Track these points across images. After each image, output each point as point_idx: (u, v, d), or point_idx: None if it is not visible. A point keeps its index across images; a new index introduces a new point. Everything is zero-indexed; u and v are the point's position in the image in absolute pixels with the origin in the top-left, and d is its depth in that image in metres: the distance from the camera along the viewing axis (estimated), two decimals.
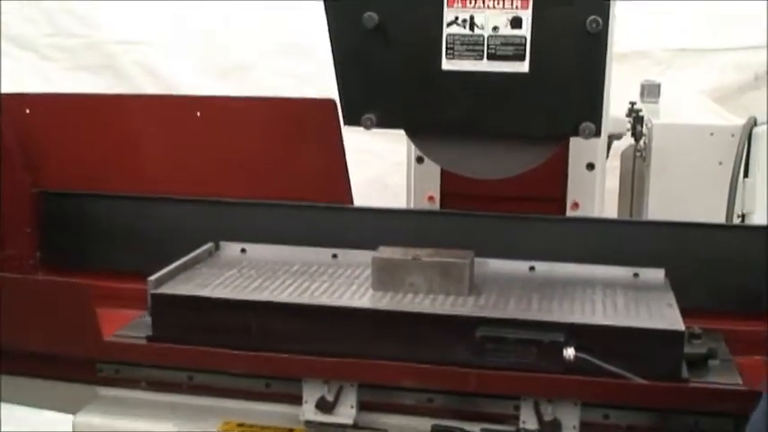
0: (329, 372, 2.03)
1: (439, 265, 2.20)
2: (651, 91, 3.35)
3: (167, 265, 2.33)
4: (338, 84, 2.22)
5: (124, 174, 2.73)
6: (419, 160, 2.82)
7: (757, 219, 2.81)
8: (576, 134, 2.12)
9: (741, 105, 3.90)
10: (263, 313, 2.13)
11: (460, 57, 2.12)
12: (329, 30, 2.17)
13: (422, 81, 2.15)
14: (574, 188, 2.75)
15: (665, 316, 2.09)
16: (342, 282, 2.30)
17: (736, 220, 2.82)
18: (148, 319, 2.28)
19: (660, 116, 3.10)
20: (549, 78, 2.10)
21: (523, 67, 2.10)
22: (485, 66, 2.12)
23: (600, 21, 2.02)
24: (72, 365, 2.19)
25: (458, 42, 2.11)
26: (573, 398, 1.95)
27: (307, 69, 4.33)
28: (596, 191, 2.78)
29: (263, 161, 2.66)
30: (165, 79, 4.50)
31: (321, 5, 2.15)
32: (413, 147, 2.84)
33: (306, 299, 2.18)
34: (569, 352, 1.97)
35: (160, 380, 2.19)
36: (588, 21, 2.02)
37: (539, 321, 2.03)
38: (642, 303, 2.16)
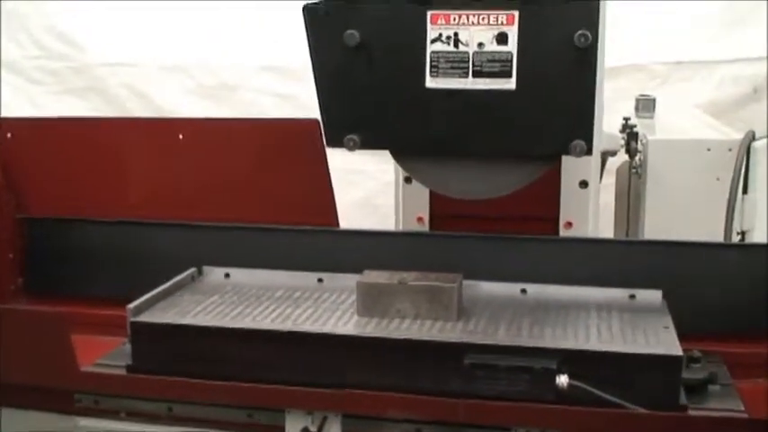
0: (312, 402, 1.96)
1: (426, 289, 2.13)
2: (646, 106, 3.29)
3: (151, 291, 2.26)
4: (320, 104, 2.16)
5: (107, 198, 2.67)
6: (407, 180, 2.76)
7: (757, 236, 2.74)
8: (567, 152, 2.05)
9: (739, 119, 3.84)
10: (244, 341, 2.06)
11: (445, 74, 2.06)
12: (310, 48, 2.11)
13: (406, 100, 2.09)
14: (567, 207, 2.69)
15: (662, 340, 2.01)
16: (327, 307, 2.23)
17: (736, 238, 2.75)
18: (129, 348, 2.23)
19: (656, 131, 3.04)
20: (538, 95, 2.04)
21: (510, 84, 2.04)
22: (470, 83, 2.06)
23: (589, 35, 1.96)
24: (51, 396, 2.12)
25: (442, 60, 2.05)
26: (567, 428, 1.87)
27: (295, 89, 4.28)
28: (590, 209, 2.71)
29: (246, 183, 2.60)
30: (153, 101, 4.45)
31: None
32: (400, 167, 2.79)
33: (288, 326, 2.10)
34: (562, 380, 1.89)
35: (140, 411, 2.11)
36: (576, 35, 1.96)
37: (530, 347, 1.95)
38: (638, 327, 2.09)
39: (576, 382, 1.88)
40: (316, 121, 2.46)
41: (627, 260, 2.40)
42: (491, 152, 2.12)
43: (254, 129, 2.61)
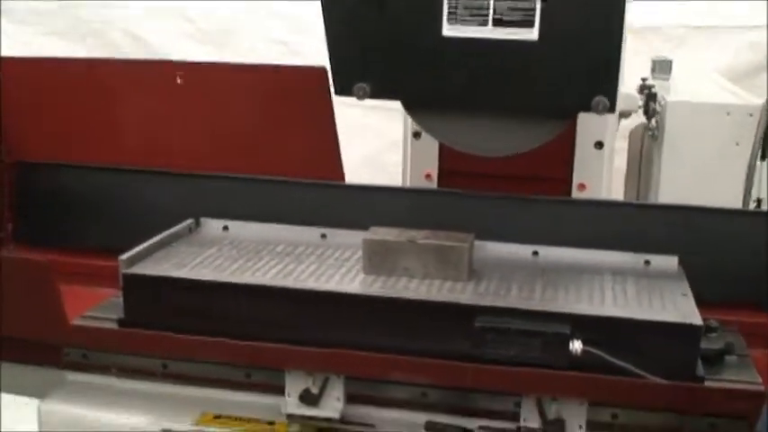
0: (314, 362, 1.87)
1: (436, 248, 2.03)
2: (662, 67, 3.18)
3: (144, 241, 2.16)
4: (329, 50, 2.04)
5: (101, 143, 2.56)
6: (416, 135, 2.66)
7: None
8: (589, 109, 1.94)
9: (755, 86, 3.74)
10: (243, 297, 1.96)
11: (463, 22, 1.94)
12: None
13: (420, 48, 1.98)
14: (580, 168, 2.59)
15: (681, 308, 1.92)
16: (330, 264, 2.14)
17: (752, 206, 2.66)
18: (121, 300, 2.13)
19: (671, 94, 2.92)
20: (561, 47, 1.92)
21: (532, 34, 1.92)
22: (490, 32, 1.94)
23: None
24: (38, 348, 2.03)
25: (460, 6, 1.93)
26: (579, 396, 1.79)
27: (296, 37, 4.14)
28: (604, 171, 2.62)
29: (247, 133, 2.49)
30: (148, 43, 4.30)
31: None
32: (409, 121, 2.68)
33: (290, 282, 2.01)
34: (576, 345, 1.80)
35: (132, 367, 2.03)
36: None
37: (543, 311, 1.87)
38: (655, 293, 2.00)
39: (590, 348, 1.80)
40: (323, 68, 2.35)
41: (643, 224, 2.31)
42: (509, 107, 2.02)
43: (257, 75, 2.48)
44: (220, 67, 2.53)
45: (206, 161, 2.49)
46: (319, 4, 2.01)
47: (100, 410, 2.01)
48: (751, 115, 2.59)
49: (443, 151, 2.63)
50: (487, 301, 1.91)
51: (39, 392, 2.08)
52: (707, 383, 1.82)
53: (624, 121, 3.00)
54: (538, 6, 1.90)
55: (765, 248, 2.19)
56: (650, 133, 2.76)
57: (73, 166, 2.57)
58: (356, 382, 1.90)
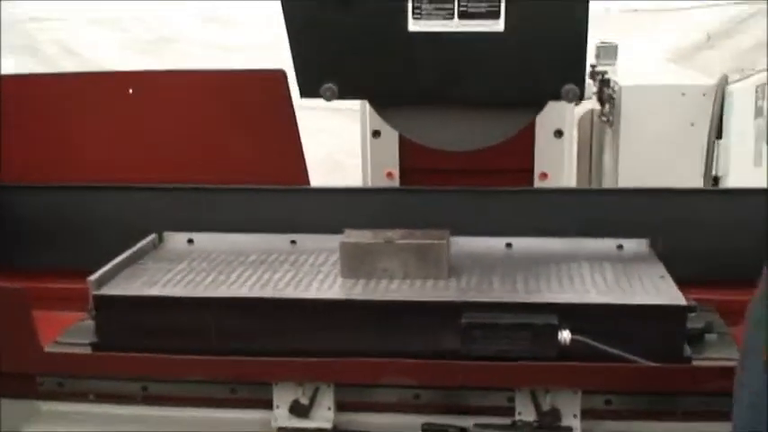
0: (303, 373, 1.83)
1: (415, 247, 2.01)
2: (608, 53, 3.20)
3: (105, 260, 2.08)
4: (292, 52, 2.00)
5: (56, 161, 2.45)
6: (375, 134, 2.63)
7: (731, 182, 2.70)
8: (559, 98, 1.95)
9: (693, 66, 3.81)
10: (222, 311, 1.91)
11: (429, 16, 1.92)
12: None
13: (387, 45, 1.95)
14: (541, 158, 2.60)
15: (662, 290, 1.94)
16: (306, 271, 2.09)
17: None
18: (89, 323, 2.05)
19: (621, 79, 2.95)
20: (527, 37, 1.92)
21: (498, 25, 1.91)
22: (456, 26, 1.93)
23: None
24: (9, 378, 1.93)
25: (425, 1, 1.91)
26: (573, 385, 1.79)
27: (234, 40, 4.06)
28: (565, 159, 2.63)
29: (205, 141, 2.42)
30: (85, 57, 4.17)
31: None
32: (368, 120, 2.65)
33: (269, 292, 1.96)
34: (565, 335, 1.80)
35: (110, 392, 1.95)
36: None
37: (530, 303, 1.86)
38: (634, 277, 2.01)
39: (578, 337, 1.80)
40: (281, 71, 2.31)
41: (613, 210, 2.32)
42: (479, 100, 2.00)
43: (213, 81, 2.42)
44: (172, 75, 2.45)
45: (162, 172, 2.41)
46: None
47: None
48: (704, 95, 2.64)
49: (404, 149, 2.61)
50: (473, 297, 1.89)
51: (11, 425, 1.99)
52: (694, 363, 1.84)
53: (575, 109, 3.02)
54: None
55: (733, 226, 2.23)
56: (604, 119, 2.78)
57: (26, 186, 2.47)
58: (346, 390, 1.86)
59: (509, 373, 1.80)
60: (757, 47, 4.09)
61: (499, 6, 1.90)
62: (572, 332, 1.80)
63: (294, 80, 2.29)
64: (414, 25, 1.93)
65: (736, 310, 2.12)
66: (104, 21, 4.16)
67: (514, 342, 1.81)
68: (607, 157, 2.80)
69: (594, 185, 3.10)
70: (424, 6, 1.92)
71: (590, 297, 1.90)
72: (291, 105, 2.33)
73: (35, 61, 4.08)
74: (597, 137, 3.07)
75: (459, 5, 1.91)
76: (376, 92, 2.03)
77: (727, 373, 1.81)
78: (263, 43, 3.81)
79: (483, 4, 1.90)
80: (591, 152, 3.17)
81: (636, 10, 3.93)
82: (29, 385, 1.94)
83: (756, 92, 2.83)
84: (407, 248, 2.00)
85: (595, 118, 2.96)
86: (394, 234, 2.05)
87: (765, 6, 4.16)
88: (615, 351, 1.79)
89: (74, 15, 4.16)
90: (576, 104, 2.99)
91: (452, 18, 1.92)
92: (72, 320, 2.09)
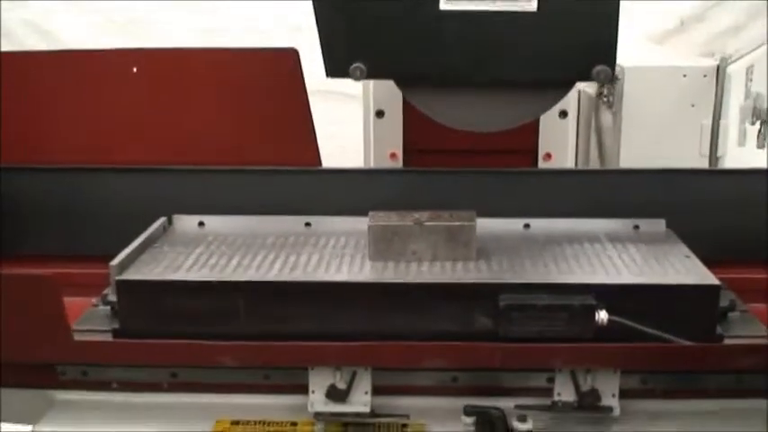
0: (341, 357, 1.79)
1: (444, 228, 1.99)
2: None
3: (109, 244, 2.00)
4: (320, 31, 1.95)
5: (51, 143, 2.36)
6: (379, 114, 2.60)
7: (728, 162, 2.74)
8: (590, 79, 1.94)
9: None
10: (255, 295, 1.86)
11: None
12: None
13: (418, 24, 1.92)
14: (546, 138, 2.61)
15: (691, 270, 1.96)
16: (331, 253, 2.05)
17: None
18: (103, 309, 1.99)
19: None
20: (560, 17, 1.91)
21: (531, 5, 1.90)
22: (488, 5, 1.90)
23: None
24: (27, 369, 1.86)
25: None
26: (613, 366, 1.79)
27: (211, 23, 3.97)
28: (569, 140, 2.64)
29: (214, 121, 2.36)
30: (58, 39, 4.02)
31: None
32: (371, 100, 2.63)
33: (301, 275, 1.92)
34: (602, 315, 1.81)
35: (135, 380, 1.89)
36: None
37: (567, 284, 1.86)
38: (660, 257, 2.03)
39: (615, 318, 1.80)
40: (294, 50, 2.26)
41: (625, 189, 2.33)
42: (509, 80, 1.99)
43: (222, 60, 2.35)
44: (181, 53, 2.37)
45: (168, 152, 2.34)
46: None
47: (103, 427, 1.87)
48: (705, 76, 2.66)
49: (407, 130, 2.59)
50: (510, 278, 1.88)
51: (28, 418, 1.91)
52: (729, 342, 1.86)
53: None
54: None
55: (742, 205, 2.27)
56: (606, 100, 2.79)
57: (16, 167, 2.37)
58: (383, 373, 1.84)
59: (549, 354, 1.79)
60: (727, 31, 4.19)
61: None
62: (608, 312, 1.81)
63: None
64: (445, 4, 1.90)
65: (746, 289, 2.18)
66: (78, 3, 4.01)
67: (552, 323, 1.81)
68: (608, 139, 2.81)
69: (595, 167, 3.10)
70: None
71: (624, 278, 1.91)
72: (304, 85, 2.28)
73: (8, 45, 3.90)
74: (599, 117, 3.05)
75: None
76: (406, 71, 1.99)
77: (758, 350, 1.86)
78: (245, 27, 3.77)
79: None
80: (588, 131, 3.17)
81: None
82: (49, 375, 1.87)
83: (747, 73, 2.88)
84: (437, 230, 1.98)
85: (585, 99, 2.95)
86: (421, 216, 2.03)
87: None
88: (652, 331, 1.80)
89: None
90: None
91: None
92: (78, 307, 2.02)
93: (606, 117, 2.83)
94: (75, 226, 2.37)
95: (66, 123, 2.41)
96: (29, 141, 2.40)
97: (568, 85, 2.04)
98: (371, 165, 2.66)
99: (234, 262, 1.99)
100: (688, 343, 1.79)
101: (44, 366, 1.86)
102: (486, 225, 2.18)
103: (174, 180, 2.34)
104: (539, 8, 1.89)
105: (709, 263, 2.03)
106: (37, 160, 2.37)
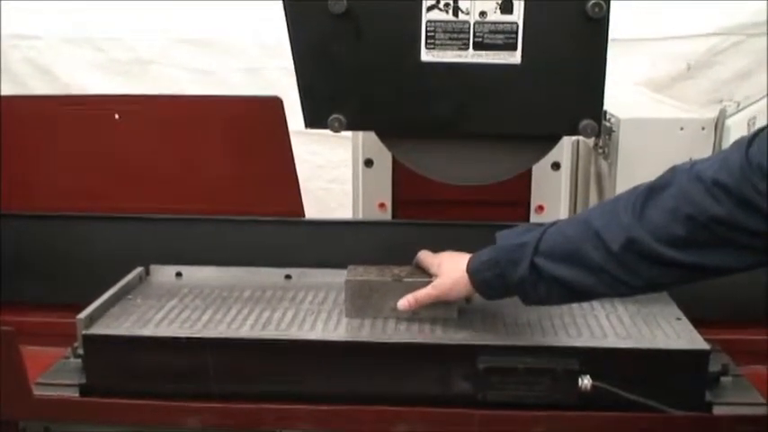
0: (311, 420, 1.73)
1: (424, 286, 1.92)
2: None
3: (86, 292, 1.97)
4: (299, 80, 1.90)
5: (27, 190, 2.31)
6: (367, 163, 2.54)
7: None
8: (577, 133, 1.89)
9: (672, 96, 3.79)
10: (222, 353, 1.79)
11: (442, 47, 1.85)
12: (287, 17, 1.85)
13: (398, 75, 1.87)
14: (538, 190, 2.53)
15: (681, 333, 1.88)
16: (307, 309, 1.99)
17: None
18: (74, 362, 1.92)
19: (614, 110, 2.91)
20: (545, 71, 1.85)
21: (515, 57, 1.85)
22: (471, 57, 1.85)
23: (603, 4, 1.80)
24: None
25: (439, 30, 1.84)
26: None
27: (211, 64, 3.95)
28: (562, 192, 2.58)
29: (195, 170, 2.30)
30: (59, 78, 4.01)
31: None
32: (360, 148, 2.56)
33: (272, 333, 1.85)
34: (586, 381, 1.73)
35: None
36: (590, 5, 1.79)
37: (549, 347, 1.79)
38: (649, 319, 1.95)
39: (599, 384, 1.73)
40: (277, 98, 2.22)
41: None
42: (493, 134, 1.93)
43: (204, 107, 2.30)
44: (161, 100, 2.33)
45: (150, 202, 2.29)
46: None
47: None
48: (703, 129, 2.60)
49: (397, 180, 2.53)
50: (490, 340, 1.81)
51: None
52: (715, 409, 1.78)
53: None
54: (520, 29, 1.83)
55: None
56: (601, 151, 2.72)
57: None
58: None
59: (529, 421, 1.72)
60: (734, 78, 4.13)
61: (516, 38, 1.83)
62: (592, 377, 1.73)
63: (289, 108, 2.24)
64: (426, 55, 1.85)
65: (739, 350, 2.09)
66: (78, 40, 4.00)
67: (533, 388, 1.74)
68: (605, 189, 2.74)
69: None
70: (437, 36, 1.84)
71: (610, 341, 1.84)
72: (287, 133, 2.23)
73: (7, 81, 3.89)
74: (595, 167, 3.00)
75: (474, 36, 1.84)
76: (386, 124, 1.94)
77: (753, 421, 1.78)
78: (245, 67, 3.74)
79: (499, 36, 1.83)
80: (576, 184, 3.12)
81: (612, 39, 3.92)
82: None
83: (748, 125, 2.81)
84: (417, 287, 1.91)
85: (583, 148, 2.89)
86: (401, 271, 1.97)
87: (740, 39, 4.20)
88: (637, 398, 1.72)
89: (48, 34, 3.99)
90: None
91: (467, 49, 1.85)
92: (49, 357, 1.95)
93: (603, 166, 2.77)
94: (59, 273, 2.32)
95: (51, 168, 2.36)
96: (10, 186, 2.35)
97: (555, 140, 1.98)
98: (360, 215, 2.60)
99: (205, 317, 1.93)
100: (674, 412, 1.71)
101: (5, 423, 1.79)
102: None
103: (154, 228, 2.28)
104: (522, 61, 1.84)
105: (709, 323, 1.97)
106: (18, 206, 2.32)
